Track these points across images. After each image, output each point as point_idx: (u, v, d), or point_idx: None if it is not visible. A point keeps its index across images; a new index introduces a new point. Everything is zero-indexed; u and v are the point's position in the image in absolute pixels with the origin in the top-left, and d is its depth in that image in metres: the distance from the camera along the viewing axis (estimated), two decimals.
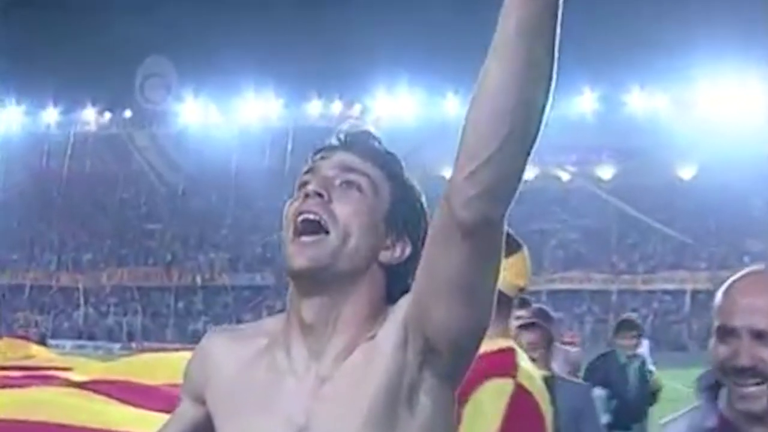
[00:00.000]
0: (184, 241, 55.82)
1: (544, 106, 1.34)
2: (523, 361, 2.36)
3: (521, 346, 2.56)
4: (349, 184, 1.59)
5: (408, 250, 1.61)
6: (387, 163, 1.64)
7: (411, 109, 56.29)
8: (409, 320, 1.51)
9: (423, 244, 1.55)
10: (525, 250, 2.53)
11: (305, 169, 1.65)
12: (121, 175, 60.97)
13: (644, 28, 47.66)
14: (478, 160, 1.32)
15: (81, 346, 43.07)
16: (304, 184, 1.62)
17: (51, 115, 62.86)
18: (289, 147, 51.46)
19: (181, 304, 52.27)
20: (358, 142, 1.65)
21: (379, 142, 1.67)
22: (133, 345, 43.37)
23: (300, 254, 1.54)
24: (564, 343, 8.66)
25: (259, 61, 52.82)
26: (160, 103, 62.44)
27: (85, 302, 53.12)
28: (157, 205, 59.99)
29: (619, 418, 7.16)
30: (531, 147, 1.35)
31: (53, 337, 41.52)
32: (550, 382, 2.81)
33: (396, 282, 1.60)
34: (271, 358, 1.60)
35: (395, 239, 1.60)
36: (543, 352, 4.31)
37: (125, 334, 49.13)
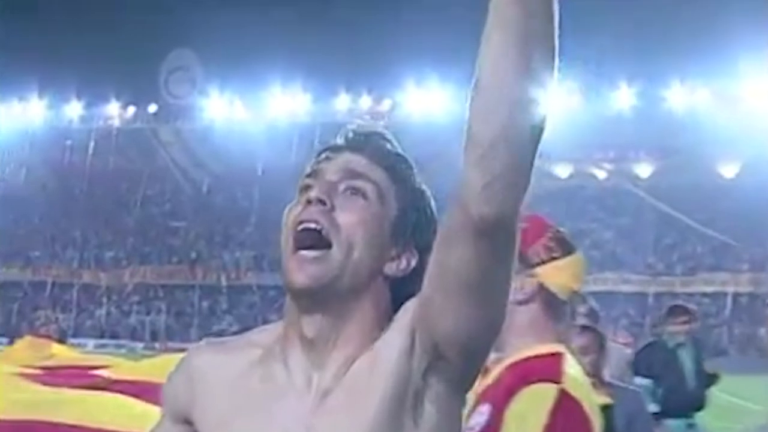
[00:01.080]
0: (209, 239, 56.13)
1: (543, 104, 1.33)
2: (572, 368, 2.31)
3: (572, 351, 2.51)
4: (354, 190, 1.54)
5: (414, 261, 1.56)
6: (396, 167, 1.59)
7: (442, 104, 56.19)
8: (417, 325, 1.48)
9: (430, 252, 1.51)
10: (580, 251, 2.50)
11: (307, 171, 1.60)
12: (145, 171, 61.38)
13: (684, 19, 47.25)
14: (482, 147, 1.31)
15: (103, 345, 43.48)
16: (306, 188, 1.56)
17: (74, 109, 63.41)
18: (317, 143, 51.38)
19: (205, 304, 52.58)
20: (366, 143, 1.60)
21: (391, 143, 1.62)
22: (157, 345, 43.74)
23: (300, 271, 1.49)
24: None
25: (286, 55, 52.99)
26: (185, 98, 62.80)
27: (108, 300, 53.58)
28: (182, 202, 60.34)
29: (673, 407, 7.02)
30: (537, 139, 1.34)
31: (75, 335, 41.94)
32: (607, 412, 2.75)
33: (401, 293, 1.55)
34: (267, 370, 1.55)
35: (401, 250, 1.56)
36: (595, 357, 4.21)
37: (148, 333, 49.51)
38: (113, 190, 60.67)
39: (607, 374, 4.86)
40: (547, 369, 2.25)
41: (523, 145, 1.33)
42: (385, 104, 58.44)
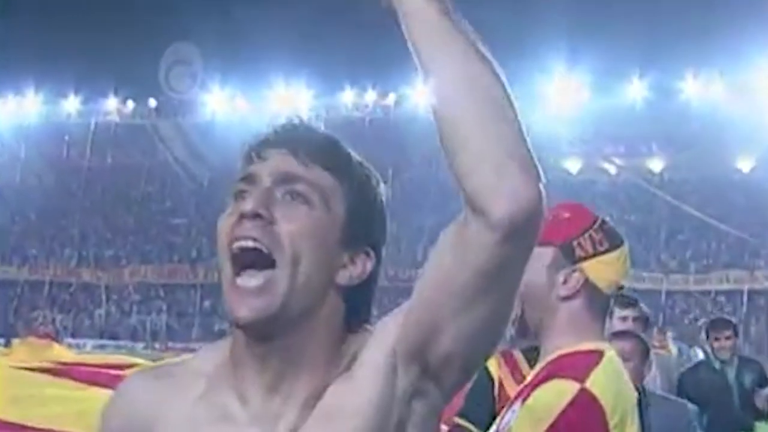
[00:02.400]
0: (211, 236, 55.56)
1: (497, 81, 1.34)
2: (609, 367, 2.23)
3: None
4: (294, 195, 1.43)
5: (370, 264, 1.46)
6: (337, 161, 1.48)
7: None
8: (404, 350, 1.39)
9: (383, 246, 1.47)
10: (626, 245, 2.45)
11: (241, 174, 1.51)
12: (144, 167, 61.40)
13: (698, 9, 47.09)
14: (470, 152, 1.30)
15: (102, 346, 43.49)
16: (240, 194, 1.47)
17: (71, 104, 63.39)
18: None
19: (207, 303, 52.56)
20: (302, 138, 1.50)
21: (323, 133, 1.53)
22: (157, 345, 43.76)
23: (242, 306, 1.38)
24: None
25: (289, 49, 52.92)
26: (186, 93, 62.78)
27: (107, 300, 53.61)
28: (183, 198, 60.37)
29: None
30: (513, 110, 1.32)
31: (73, 336, 42.02)
32: (640, 402, 2.69)
33: (357, 301, 1.46)
34: (219, 407, 1.43)
35: (353, 254, 1.45)
36: (636, 363, 4.13)
37: (149, 333, 49.52)
38: (112, 187, 60.69)
39: (659, 387, 4.75)
40: (575, 366, 2.20)
41: (501, 124, 1.31)
42: (390, 98, 58.36)
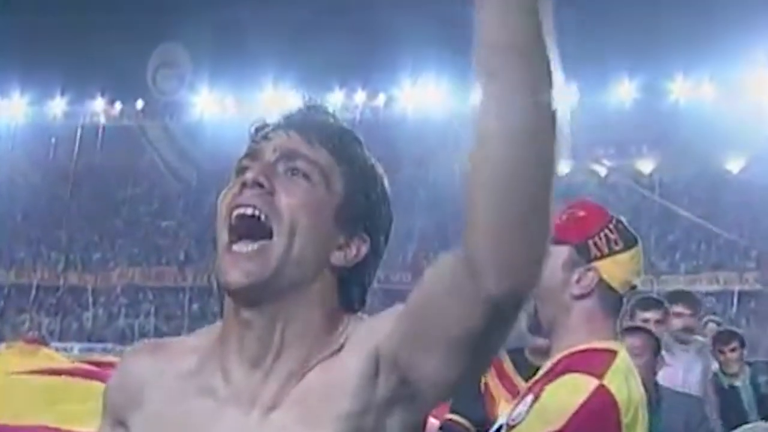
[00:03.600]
0: (199, 238, 56.01)
1: (557, 133, 1.27)
2: (620, 366, 2.25)
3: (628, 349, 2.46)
4: (294, 171, 1.46)
5: (365, 249, 1.49)
6: (340, 145, 1.52)
7: (438, 99, 56.11)
8: (387, 356, 1.38)
9: (385, 235, 1.49)
10: (640, 243, 2.46)
11: (245, 151, 1.55)
12: (132, 169, 61.24)
13: (688, 9, 47.25)
14: (501, 217, 1.22)
15: (90, 350, 43.37)
16: (243, 170, 1.50)
17: (58, 105, 63.19)
18: None
19: (195, 306, 52.49)
20: (307, 120, 1.53)
21: (334, 119, 1.56)
22: None
23: (234, 268, 1.39)
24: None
25: (278, 50, 52.91)
26: (174, 94, 62.64)
27: (95, 303, 53.47)
28: (171, 201, 60.25)
29: None
30: (551, 180, 1.25)
31: (60, 339, 41.89)
32: (650, 398, 2.72)
33: (351, 284, 1.48)
34: (204, 382, 1.45)
35: (350, 237, 1.48)
36: (647, 359, 4.13)
37: (137, 336, 49.38)
38: (99, 189, 60.53)
39: (695, 384, 4.71)
40: (591, 363, 2.22)
41: (540, 197, 1.25)
42: (380, 99, 58.39)
